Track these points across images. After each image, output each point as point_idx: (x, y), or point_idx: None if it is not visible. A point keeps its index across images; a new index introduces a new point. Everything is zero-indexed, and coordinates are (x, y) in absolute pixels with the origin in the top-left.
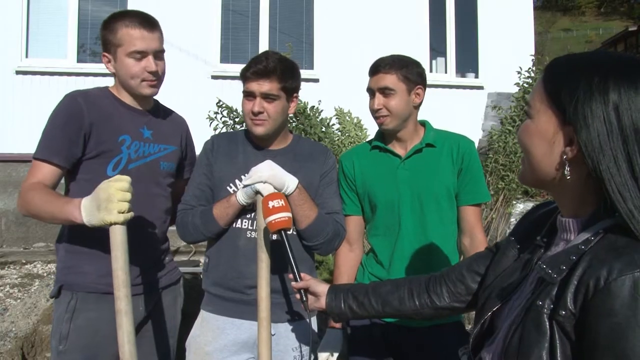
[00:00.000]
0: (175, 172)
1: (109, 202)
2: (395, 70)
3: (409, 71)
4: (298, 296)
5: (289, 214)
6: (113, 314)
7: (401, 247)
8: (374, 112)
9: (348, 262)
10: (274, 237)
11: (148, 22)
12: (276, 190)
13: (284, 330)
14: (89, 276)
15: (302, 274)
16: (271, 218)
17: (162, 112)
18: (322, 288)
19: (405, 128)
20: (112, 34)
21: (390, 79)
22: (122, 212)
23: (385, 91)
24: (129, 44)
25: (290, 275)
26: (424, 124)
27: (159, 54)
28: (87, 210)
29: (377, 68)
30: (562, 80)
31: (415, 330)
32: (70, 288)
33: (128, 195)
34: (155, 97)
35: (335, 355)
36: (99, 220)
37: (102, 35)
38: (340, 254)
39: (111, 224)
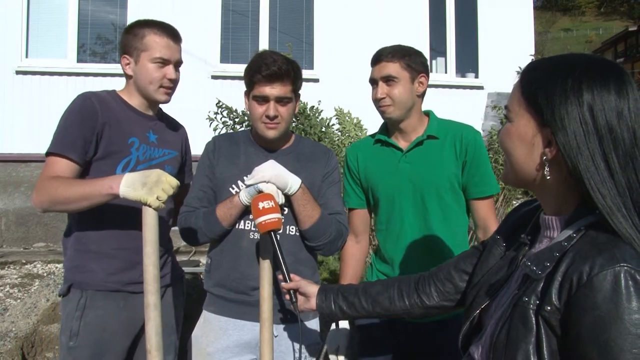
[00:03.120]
0: (176, 176)
1: (155, 185)
2: (398, 58)
3: (411, 59)
4: (288, 297)
5: (279, 215)
6: (120, 311)
7: (404, 242)
8: (377, 102)
9: (354, 255)
10: (278, 237)
11: (174, 34)
12: (279, 190)
13: (286, 331)
14: (97, 275)
15: (292, 275)
16: (261, 219)
17: (165, 119)
18: (312, 289)
19: (408, 118)
20: (138, 38)
21: (393, 67)
22: (160, 200)
23: (389, 80)
24: (155, 50)
25: (280, 276)
26: (428, 114)
27: (178, 65)
28: (130, 182)
29: (380, 57)
30: (538, 83)
31: (423, 326)
32: (80, 286)
33: (171, 191)
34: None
35: (341, 357)
36: (138, 196)
37: (124, 38)
38: (347, 246)
39: (145, 204)
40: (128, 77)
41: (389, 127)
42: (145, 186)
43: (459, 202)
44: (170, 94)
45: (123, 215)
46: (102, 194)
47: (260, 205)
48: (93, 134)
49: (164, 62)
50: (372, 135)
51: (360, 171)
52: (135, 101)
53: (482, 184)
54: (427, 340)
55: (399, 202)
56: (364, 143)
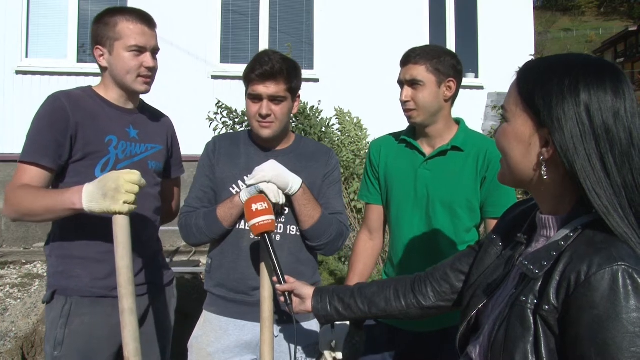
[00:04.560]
0: (162, 171)
1: (117, 191)
2: (425, 61)
3: (440, 62)
4: (282, 299)
5: (272, 217)
6: (107, 317)
7: (409, 248)
8: (402, 105)
9: (366, 251)
10: (278, 237)
11: (148, 19)
12: (280, 190)
13: (287, 331)
14: (82, 280)
15: (287, 277)
16: (254, 221)
17: (147, 111)
18: (308, 290)
19: (434, 124)
20: (110, 27)
21: (418, 70)
22: (128, 203)
23: (414, 83)
24: (129, 38)
25: (275, 278)
26: (459, 122)
27: (155, 52)
28: (90, 196)
29: (408, 58)
30: (534, 83)
31: (424, 335)
32: (64, 293)
33: (136, 188)
34: (150, 96)
35: (339, 354)
36: (103, 208)
37: (95, 28)
38: (360, 241)
39: (115, 213)
40: (103, 69)
41: (416, 130)
42: (106, 196)
43: (472, 219)
44: (149, 83)
45: (107, 219)
46: (65, 209)
47: (254, 207)
48: (66, 136)
49: (140, 50)
50: (398, 134)
51: (380, 167)
52: (112, 95)
53: (500, 205)
54: (429, 350)
55: (411, 207)
56: (389, 139)
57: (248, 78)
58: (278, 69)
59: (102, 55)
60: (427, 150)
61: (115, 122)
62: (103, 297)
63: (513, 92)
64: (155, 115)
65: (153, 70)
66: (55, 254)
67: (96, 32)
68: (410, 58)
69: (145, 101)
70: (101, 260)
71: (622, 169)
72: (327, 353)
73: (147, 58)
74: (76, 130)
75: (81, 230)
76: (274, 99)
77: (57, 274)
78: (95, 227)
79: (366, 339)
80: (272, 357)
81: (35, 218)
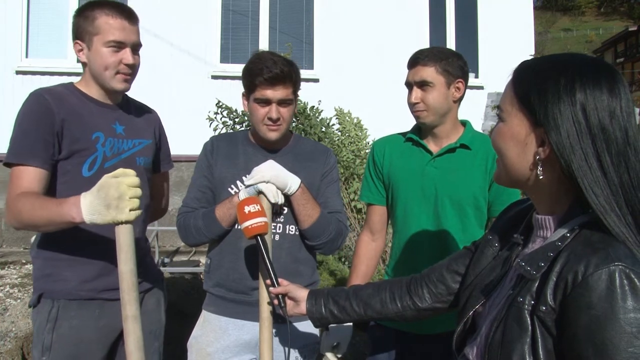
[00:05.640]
0: (151, 166)
1: (121, 200)
2: (434, 62)
3: (449, 64)
4: (276, 302)
5: (265, 219)
6: (96, 320)
7: (416, 247)
8: (412, 107)
9: (368, 252)
10: (277, 237)
11: (129, 14)
12: (279, 190)
13: (285, 331)
14: (70, 283)
15: (280, 280)
16: (247, 223)
17: (132, 106)
18: (302, 293)
19: (443, 124)
20: (89, 21)
21: (428, 72)
22: (134, 210)
23: (423, 85)
24: (108, 33)
25: (268, 281)
26: (464, 123)
27: (136, 48)
28: (90, 209)
29: (416, 60)
30: (530, 83)
31: (430, 338)
32: (51, 296)
33: (139, 192)
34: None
35: (339, 355)
36: (108, 220)
37: (76, 22)
38: (362, 242)
39: (121, 223)
40: (83, 65)
41: (422, 130)
42: (110, 207)
43: (478, 218)
44: (129, 81)
45: None
46: (65, 222)
47: (247, 209)
48: (52, 134)
49: (119, 46)
50: (404, 134)
51: (384, 166)
52: (94, 91)
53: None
54: (434, 350)
55: (419, 205)
56: (393, 139)
57: (254, 81)
58: (287, 72)
59: (81, 50)
60: (433, 148)
61: (100, 119)
62: (91, 300)
63: (509, 92)
64: (141, 110)
65: (133, 67)
66: (42, 256)
67: (76, 26)
68: (418, 60)
69: (146, 101)
70: (89, 262)
71: (619, 168)
72: (329, 355)
73: (126, 54)
74: (62, 127)
75: (69, 231)
76: (282, 102)
77: (44, 276)
78: (85, 228)
79: (372, 340)
80: (272, 357)
81: (38, 229)
